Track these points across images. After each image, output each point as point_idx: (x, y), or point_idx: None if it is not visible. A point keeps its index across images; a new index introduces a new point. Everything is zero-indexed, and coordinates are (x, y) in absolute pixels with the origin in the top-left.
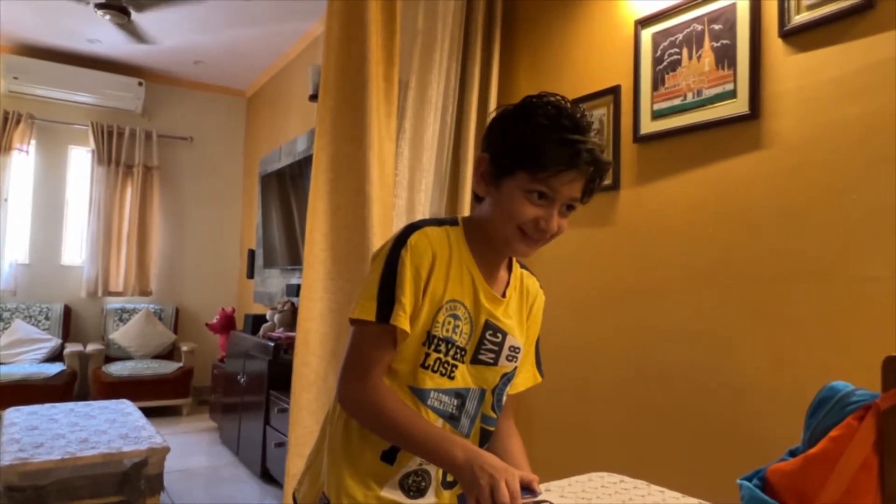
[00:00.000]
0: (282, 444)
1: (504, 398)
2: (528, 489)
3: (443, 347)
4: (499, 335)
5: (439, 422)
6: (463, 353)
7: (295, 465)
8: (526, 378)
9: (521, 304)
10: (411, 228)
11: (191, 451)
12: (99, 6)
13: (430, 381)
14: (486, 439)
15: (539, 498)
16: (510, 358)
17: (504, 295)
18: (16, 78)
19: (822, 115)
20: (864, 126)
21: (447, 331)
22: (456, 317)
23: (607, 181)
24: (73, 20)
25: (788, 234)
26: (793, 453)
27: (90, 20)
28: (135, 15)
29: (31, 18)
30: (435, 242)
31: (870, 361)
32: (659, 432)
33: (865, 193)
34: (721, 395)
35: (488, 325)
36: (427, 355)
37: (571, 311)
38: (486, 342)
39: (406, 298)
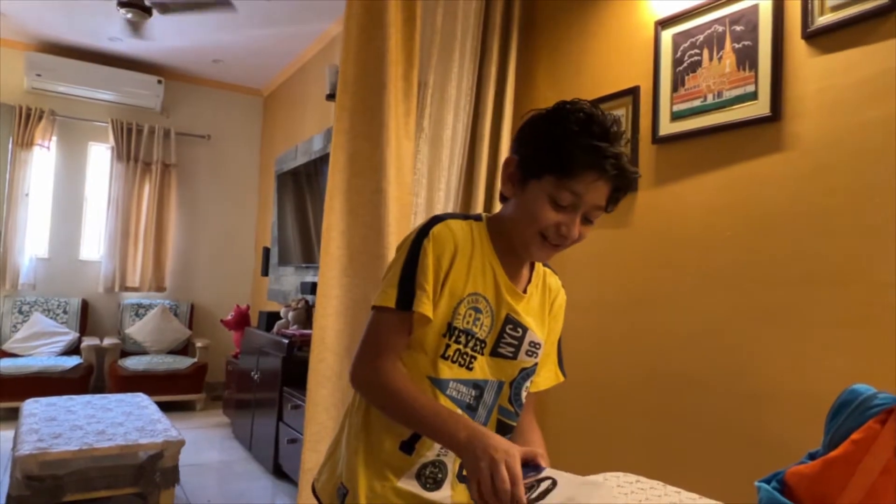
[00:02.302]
0: (294, 441)
1: (523, 393)
2: (532, 465)
3: (463, 339)
4: (519, 330)
5: (458, 412)
6: (483, 345)
7: (310, 460)
8: (548, 377)
9: (542, 302)
10: (435, 220)
11: (204, 446)
12: (121, 4)
13: (449, 371)
14: (503, 431)
15: (543, 475)
16: (530, 353)
17: (525, 291)
18: (38, 75)
19: (844, 118)
20: (888, 129)
21: (468, 323)
22: (477, 310)
23: None
24: (94, 18)
25: (808, 238)
26: (812, 456)
27: (112, 18)
28: (157, 15)
29: (54, 16)
30: (458, 235)
31: (891, 366)
32: (676, 434)
33: (888, 197)
34: (739, 397)
35: (509, 320)
36: (447, 346)
37: (588, 312)
38: (505, 336)
39: (429, 285)
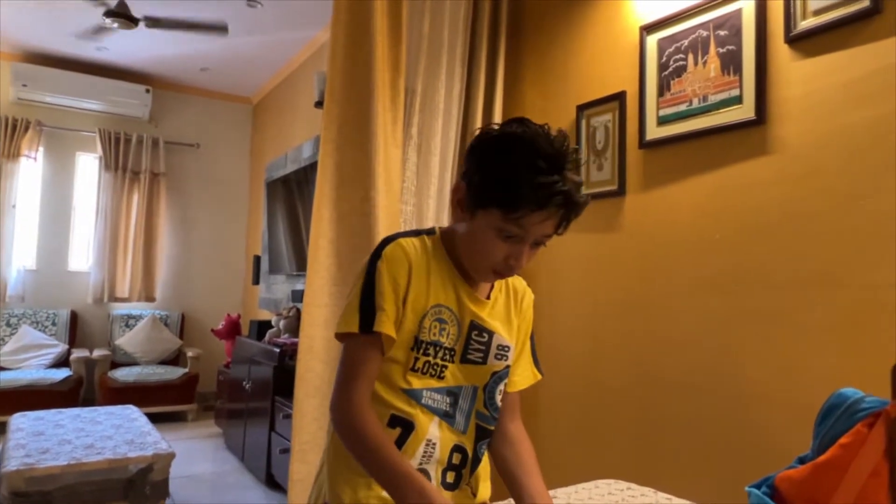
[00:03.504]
0: (287, 451)
1: (497, 396)
2: None
3: (431, 351)
4: (485, 335)
5: (435, 419)
6: (452, 353)
7: (298, 471)
8: (525, 376)
9: (508, 305)
10: (386, 241)
11: (196, 457)
12: (108, 14)
13: (419, 382)
14: (482, 436)
15: None
16: (499, 357)
17: (489, 297)
18: (25, 85)
19: (828, 121)
20: (872, 131)
21: (434, 335)
22: (442, 321)
23: (613, 186)
24: (81, 28)
25: (796, 241)
26: (802, 460)
27: (98, 28)
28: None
29: (40, 26)
30: (410, 252)
31: (879, 369)
32: (666, 439)
33: (874, 199)
34: (729, 402)
35: (474, 326)
36: (416, 359)
37: (577, 317)
38: (472, 342)
39: (388, 305)
